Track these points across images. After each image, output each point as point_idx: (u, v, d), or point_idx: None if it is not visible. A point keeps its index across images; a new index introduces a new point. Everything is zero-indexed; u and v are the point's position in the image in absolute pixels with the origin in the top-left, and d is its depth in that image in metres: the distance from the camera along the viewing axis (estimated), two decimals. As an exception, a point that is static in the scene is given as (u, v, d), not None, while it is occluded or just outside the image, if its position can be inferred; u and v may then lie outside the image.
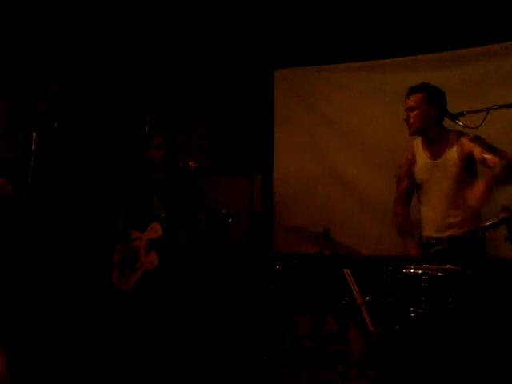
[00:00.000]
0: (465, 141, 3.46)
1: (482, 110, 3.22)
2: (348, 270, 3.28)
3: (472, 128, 3.27)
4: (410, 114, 3.56)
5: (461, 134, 3.50)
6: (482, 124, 3.19)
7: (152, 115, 4.71)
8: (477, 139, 3.39)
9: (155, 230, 4.21)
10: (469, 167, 3.47)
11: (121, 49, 5.26)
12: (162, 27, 5.35)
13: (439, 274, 3.06)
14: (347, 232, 4.65)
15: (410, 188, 3.81)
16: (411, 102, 3.57)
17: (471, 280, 3.08)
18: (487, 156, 3.28)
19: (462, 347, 3.04)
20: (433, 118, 3.54)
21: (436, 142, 3.58)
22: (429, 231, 3.64)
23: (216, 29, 5.43)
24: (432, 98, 3.56)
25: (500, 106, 3.17)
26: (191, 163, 5.20)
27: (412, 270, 3.12)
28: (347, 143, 5.11)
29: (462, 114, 3.34)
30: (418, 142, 3.73)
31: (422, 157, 3.68)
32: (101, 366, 3.98)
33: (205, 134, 5.82)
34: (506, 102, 3.18)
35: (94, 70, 5.11)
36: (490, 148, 3.30)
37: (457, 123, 3.33)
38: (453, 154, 3.50)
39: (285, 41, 5.34)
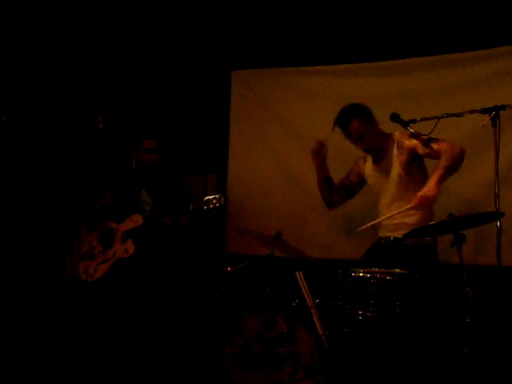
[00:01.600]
0: (403, 139, 3.60)
1: (433, 118, 3.34)
2: (300, 273, 3.33)
3: (423, 136, 3.40)
4: (364, 139, 3.66)
5: (401, 135, 3.63)
6: (432, 132, 3.32)
7: (107, 112, 4.66)
8: (415, 136, 3.46)
9: (135, 221, 4.17)
10: (413, 165, 3.60)
11: (75, 44, 5.20)
12: (116, 22, 5.32)
13: (387, 277, 3.15)
14: (299, 235, 4.74)
15: (348, 184, 3.98)
16: (357, 128, 3.65)
17: (419, 284, 3.18)
18: (431, 149, 3.40)
19: (408, 350, 3.13)
20: (375, 131, 3.69)
21: (380, 147, 3.73)
22: (381, 233, 3.81)
23: (173, 27, 5.45)
24: (365, 116, 3.70)
25: (450, 115, 3.30)
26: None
27: (361, 274, 3.20)
28: (302, 146, 5.13)
29: (414, 121, 3.45)
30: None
31: (369, 161, 3.85)
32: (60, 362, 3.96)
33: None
34: (459, 110, 3.32)
35: (47, 63, 5.04)
36: (430, 140, 3.41)
37: (408, 130, 3.45)
38: (393, 155, 3.65)
39: (243, 41, 5.39)
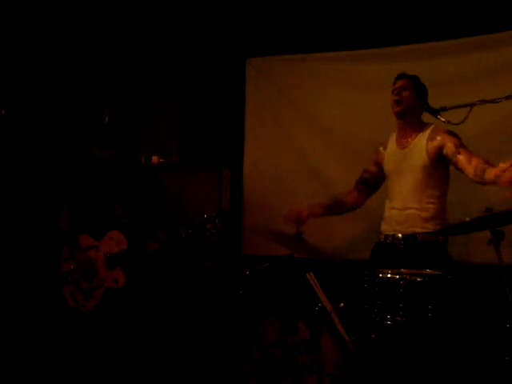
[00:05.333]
0: (438, 135, 3.54)
1: (465, 106, 3.25)
2: (311, 274, 3.26)
3: (454, 124, 3.32)
4: (403, 92, 3.64)
5: (437, 128, 3.58)
6: (465, 120, 3.23)
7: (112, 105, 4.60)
8: (450, 134, 3.47)
9: (116, 242, 3.88)
10: (438, 163, 3.54)
11: (77, 30, 5.15)
12: (123, 9, 5.25)
13: (418, 279, 3.07)
14: (322, 234, 4.67)
15: (368, 177, 3.96)
16: (403, 82, 3.67)
17: (453, 286, 3.11)
18: (460, 156, 3.38)
19: (442, 358, 3.07)
20: (416, 107, 3.63)
21: (409, 132, 3.68)
22: (387, 226, 3.75)
23: (182, 13, 5.38)
24: (419, 88, 3.68)
25: (484, 102, 3.20)
26: (155, 158, 5.13)
27: (389, 275, 3.13)
28: (324, 138, 5.11)
29: (444, 109, 3.38)
30: (393, 135, 3.84)
31: (392, 146, 3.80)
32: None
33: (170, 126, 5.78)
34: (495, 96, 3.21)
35: (47, 52, 5.00)
36: (463, 146, 3.39)
37: (438, 119, 3.38)
38: (422, 145, 3.59)
39: (259, 26, 5.31)
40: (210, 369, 3.74)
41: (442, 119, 3.35)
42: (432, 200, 3.58)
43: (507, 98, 3.14)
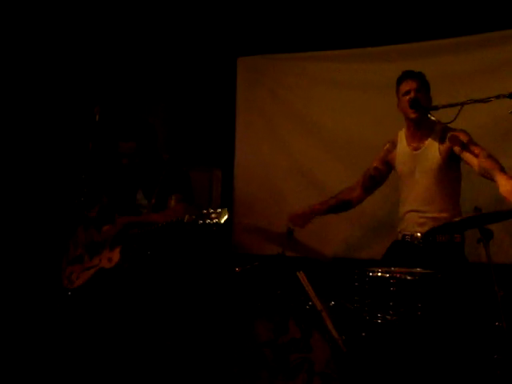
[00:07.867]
0: (448, 134, 3.52)
1: (456, 105, 3.26)
2: (302, 273, 3.26)
3: (445, 123, 3.34)
4: (419, 96, 3.57)
5: (448, 127, 3.54)
6: (455, 119, 3.25)
7: (104, 104, 4.57)
8: (460, 133, 3.47)
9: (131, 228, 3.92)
10: (451, 163, 3.54)
11: (68, 32, 5.13)
12: (111, 8, 5.23)
13: (408, 277, 3.09)
14: (312, 232, 4.66)
15: (376, 174, 3.90)
16: (416, 84, 3.60)
17: (442, 284, 3.13)
18: (465, 153, 3.40)
19: (431, 356, 3.08)
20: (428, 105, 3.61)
21: (421, 132, 3.64)
22: (405, 226, 3.73)
23: (171, 10, 5.36)
24: (427, 86, 3.67)
25: (475, 101, 3.22)
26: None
27: (379, 274, 3.14)
28: (315, 138, 5.13)
29: (435, 108, 3.40)
30: (401, 133, 3.80)
31: (403, 146, 3.75)
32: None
33: (161, 126, 5.77)
34: (489, 95, 3.21)
35: (38, 51, 4.99)
36: (470, 143, 3.40)
37: (429, 118, 3.39)
38: (434, 146, 3.57)
39: (250, 26, 5.31)
40: (201, 368, 3.74)
41: (433, 118, 3.37)
42: (449, 200, 3.59)
43: (497, 97, 3.15)
